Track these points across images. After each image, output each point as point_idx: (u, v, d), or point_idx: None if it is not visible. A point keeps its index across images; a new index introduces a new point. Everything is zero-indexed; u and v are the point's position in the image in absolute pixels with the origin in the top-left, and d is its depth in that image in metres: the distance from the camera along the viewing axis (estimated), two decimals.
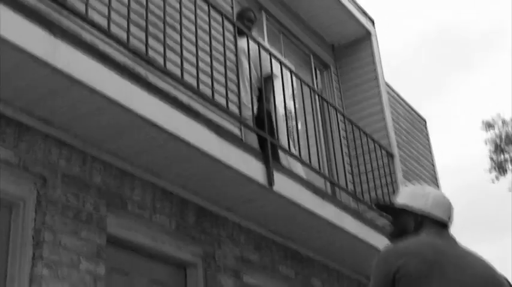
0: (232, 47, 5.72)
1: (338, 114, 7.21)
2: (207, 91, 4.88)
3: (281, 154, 5.84)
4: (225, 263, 5.21)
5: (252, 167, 4.90)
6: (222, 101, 5.02)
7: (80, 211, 4.07)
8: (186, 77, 4.70)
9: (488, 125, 24.06)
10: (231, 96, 5.25)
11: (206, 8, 5.18)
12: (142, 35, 4.52)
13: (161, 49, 4.62)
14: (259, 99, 5.92)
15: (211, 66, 4.94)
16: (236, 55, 5.60)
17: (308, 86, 6.38)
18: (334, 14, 8.51)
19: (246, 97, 5.75)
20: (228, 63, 5.37)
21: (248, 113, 5.52)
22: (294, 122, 7.33)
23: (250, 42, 5.68)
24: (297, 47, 8.33)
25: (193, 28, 5.05)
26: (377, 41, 8.97)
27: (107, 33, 4.09)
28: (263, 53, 5.70)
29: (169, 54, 4.68)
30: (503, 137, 23.65)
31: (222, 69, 5.26)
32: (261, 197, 5.21)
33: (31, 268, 3.71)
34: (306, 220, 5.71)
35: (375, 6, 37.76)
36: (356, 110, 8.52)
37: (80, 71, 3.63)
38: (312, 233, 6.00)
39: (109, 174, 4.40)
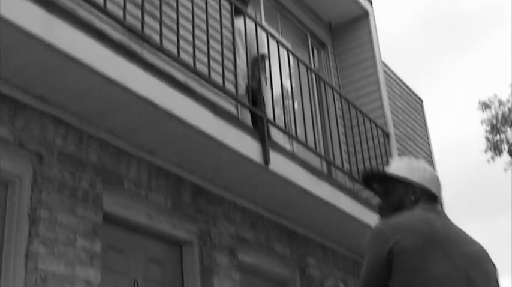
0: (229, 25, 5.70)
1: (334, 94, 7.20)
2: (204, 69, 4.87)
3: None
4: (220, 241, 5.24)
5: (248, 146, 4.90)
6: (219, 79, 5.01)
7: (76, 188, 4.08)
8: (183, 55, 4.69)
9: (485, 106, 24.05)
10: (228, 74, 5.24)
11: None
12: (139, 13, 4.50)
13: (157, 27, 4.60)
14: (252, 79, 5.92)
15: (208, 45, 4.93)
16: (233, 33, 5.58)
17: (305, 65, 6.37)
18: None
19: (242, 76, 5.74)
20: (224, 41, 5.36)
21: (243, 93, 5.53)
22: (291, 102, 7.32)
23: (247, 21, 5.65)
24: (294, 26, 8.30)
25: (189, 6, 5.03)
26: (374, 21, 8.95)
27: (103, 10, 4.07)
28: (254, 32, 5.67)
29: (165, 32, 4.67)
30: (499, 117, 23.66)
31: (218, 47, 5.25)
32: (257, 176, 5.23)
33: (27, 245, 3.73)
34: (301, 199, 5.73)
35: None
36: (353, 89, 8.52)
37: (75, 48, 3.62)
38: (307, 211, 6.02)
39: (105, 152, 4.40)
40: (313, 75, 6.92)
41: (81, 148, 4.22)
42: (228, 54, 5.46)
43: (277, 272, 6.15)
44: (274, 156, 5.13)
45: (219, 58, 5.16)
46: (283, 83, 5.75)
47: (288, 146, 6.40)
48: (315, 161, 6.53)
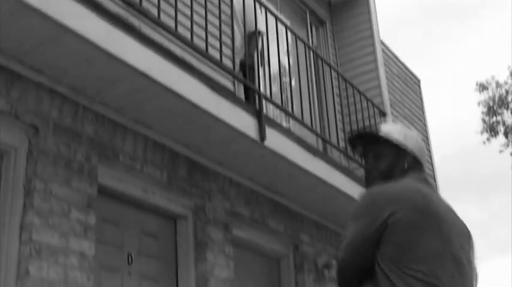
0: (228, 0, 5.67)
1: (332, 72, 7.18)
2: (201, 44, 4.85)
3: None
4: (215, 216, 5.26)
5: (244, 122, 4.90)
6: (216, 55, 4.99)
7: (71, 160, 4.08)
8: (180, 30, 4.66)
9: (482, 87, 24.04)
10: (225, 50, 5.23)
11: None
12: None
13: (155, 0, 4.57)
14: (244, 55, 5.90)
15: (206, 19, 4.90)
16: (231, 8, 5.55)
17: (303, 42, 6.35)
18: None
19: (237, 52, 5.72)
20: (222, 16, 5.33)
21: (237, 69, 5.52)
22: (288, 79, 7.31)
23: None
24: (293, 3, 8.26)
25: None
26: None
27: None
28: (252, 8, 5.64)
29: (163, 5, 4.64)
30: (496, 99, 23.67)
31: (216, 22, 5.22)
32: (253, 152, 5.23)
33: (22, 216, 3.74)
34: (296, 176, 5.75)
35: None
36: (350, 67, 8.51)
37: (72, 20, 3.60)
38: (301, 188, 6.04)
39: (101, 125, 4.40)
40: (311, 53, 6.89)
41: (76, 120, 4.22)
42: (226, 29, 5.44)
43: (270, 248, 6.19)
44: (270, 132, 5.13)
45: (217, 33, 5.13)
46: (280, 60, 5.73)
47: (284, 123, 6.41)
48: (310, 138, 6.54)
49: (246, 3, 5.49)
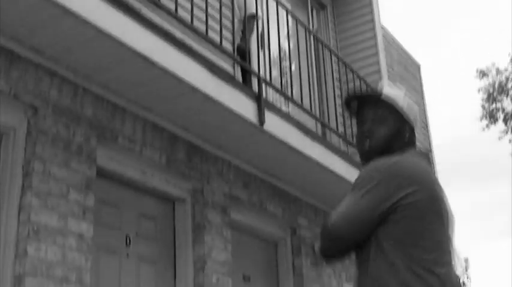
0: None
1: (332, 56, 7.17)
2: (201, 27, 4.83)
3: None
4: (213, 199, 5.27)
5: (243, 106, 4.90)
6: (216, 37, 4.97)
7: (70, 142, 4.08)
8: (180, 12, 4.64)
9: (482, 74, 24.00)
10: (225, 33, 5.21)
11: None
12: None
13: None
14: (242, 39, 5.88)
15: (206, 2, 4.88)
16: None
17: (304, 26, 6.33)
18: None
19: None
20: None
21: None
22: (288, 63, 7.29)
23: None
24: None
25: None
26: None
27: None
28: None
29: None
30: (496, 86, 23.63)
31: (217, 5, 5.20)
32: (251, 136, 5.23)
33: (20, 197, 3.75)
34: (294, 160, 5.75)
35: None
36: (350, 52, 8.49)
37: (72, 1, 3.57)
38: (300, 173, 6.05)
39: (100, 106, 4.40)
40: (312, 37, 6.87)
41: (76, 101, 4.21)
42: (226, 12, 5.42)
43: (268, 231, 6.21)
44: (269, 116, 5.13)
45: (217, 16, 5.11)
46: (281, 44, 5.71)
47: (283, 107, 6.40)
48: (310, 123, 6.54)
49: None
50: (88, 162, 4.18)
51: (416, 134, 2.37)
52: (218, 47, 4.95)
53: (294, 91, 5.89)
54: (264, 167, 5.90)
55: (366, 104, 2.32)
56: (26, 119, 3.92)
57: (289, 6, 7.29)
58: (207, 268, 5.00)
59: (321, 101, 7.91)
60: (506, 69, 23.77)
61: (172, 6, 4.54)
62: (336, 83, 7.76)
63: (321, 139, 6.10)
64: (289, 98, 5.80)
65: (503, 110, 23.56)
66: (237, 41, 5.76)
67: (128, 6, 4.04)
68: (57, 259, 3.78)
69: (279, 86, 5.66)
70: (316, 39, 7.04)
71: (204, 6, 4.91)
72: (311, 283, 6.38)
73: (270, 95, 6.36)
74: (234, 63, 5.54)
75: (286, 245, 6.41)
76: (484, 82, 23.97)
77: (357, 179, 2.17)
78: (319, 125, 7.32)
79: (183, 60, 4.35)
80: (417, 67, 10.81)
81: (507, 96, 23.54)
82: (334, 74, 7.50)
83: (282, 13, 5.85)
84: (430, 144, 10.38)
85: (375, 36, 8.47)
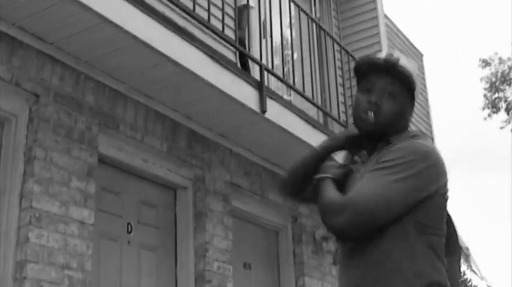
0: None
1: (335, 45, 7.15)
2: (203, 14, 4.81)
3: None
4: (214, 187, 5.28)
5: (245, 94, 4.89)
6: (218, 25, 4.96)
7: (71, 129, 4.08)
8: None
9: (485, 63, 23.93)
10: (227, 20, 5.19)
11: None
12: None
13: None
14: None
15: None
16: None
17: (306, 14, 6.30)
18: None
19: None
20: None
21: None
22: (290, 51, 7.27)
23: None
24: None
25: None
26: None
27: None
28: None
29: None
30: (498, 75, 23.57)
31: None
32: (253, 124, 5.23)
33: (22, 184, 3.75)
34: (296, 148, 5.73)
35: None
36: (353, 41, 8.45)
37: None
38: None
39: (102, 94, 4.39)
40: (314, 25, 6.85)
41: (77, 89, 4.21)
42: (228, 0, 5.39)
43: (269, 219, 6.22)
44: (271, 104, 5.12)
45: (220, 3, 5.09)
46: (283, 32, 5.70)
47: (285, 96, 6.39)
48: (311, 111, 6.53)
49: None
50: (90, 149, 4.18)
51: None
52: (220, 35, 4.93)
53: (296, 79, 5.89)
54: (265, 155, 5.90)
55: (379, 72, 2.07)
56: (28, 106, 3.92)
57: None
58: (208, 256, 5.01)
59: (323, 90, 7.90)
60: (509, 59, 23.70)
61: None
62: (338, 72, 7.73)
63: (323, 127, 6.09)
64: (291, 87, 5.79)
65: (506, 99, 23.51)
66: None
67: None
68: (58, 245, 3.79)
69: (281, 74, 5.64)
70: (319, 28, 7.01)
71: None
72: (312, 271, 6.39)
73: (272, 83, 6.34)
74: (236, 52, 5.52)
75: (287, 234, 6.42)
76: (487, 71, 23.92)
77: (391, 158, 1.93)
78: (321, 114, 7.31)
79: (185, 47, 4.34)
80: (420, 56, 10.78)
81: (510, 85, 23.49)
82: (337, 63, 7.49)
83: (285, 1, 5.84)
84: (431, 132, 10.37)
85: (377, 25, 8.43)
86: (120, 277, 4.52)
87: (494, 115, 23.69)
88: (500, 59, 23.81)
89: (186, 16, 4.80)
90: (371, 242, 1.93)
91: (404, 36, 10.29)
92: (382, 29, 8.49)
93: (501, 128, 23.74)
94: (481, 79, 23.98)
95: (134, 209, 4.77)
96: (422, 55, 10.89)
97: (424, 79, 10.67)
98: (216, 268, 5.07)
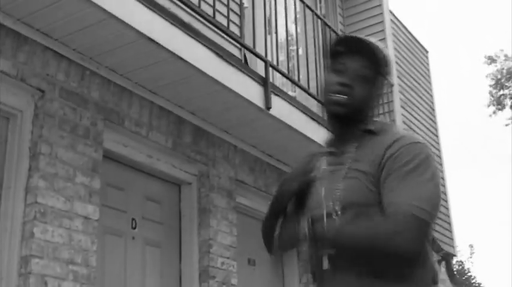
0: None
1: None
2: (208, 10, 4.81)
3: None
4: (219, 183, 5.28)
5: (250, 90, 4.89)
6: (223, 21, 4.96)
7: (77, 125, 4.09)
8: None
9: (491, 60, 23.89)
10: (232, 17, 5.18)
11: None
12: None
13: None
14: None
15: None
16: None
17: (311, 10, 6.29)
18: None
19: None
20: None
21: None
22: (295, 47, 7.26)
23: None
24: None
25: None
26: None
27: None
28: None
29: None
30: (504, 72, 23.53)
31: None
32: (258, 120, 5.23)
33: (27, 179, 3.76)
34: (301, 144, 5.74)
35: None
36: None
37: None
38: None
39: (107, 90, 4.40)
40: (319, 21, 6.84)
41: (83, 84, 4.21)
42: None
43: None
44: (275, 101, 5.12)
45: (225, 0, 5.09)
46: (288, 28, 5.69)
47: (290, 92, 6.39)
48: (316, 107, 6.53)
49: None
50: (95, 145, 4.19)
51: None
52: (225, 31, 4.93)
53: (300, 76, 5.88)
54: (270, 151, 5.90)
55: (355, 53, 1.93)
56: (33, 102, 3.93)
57: None
58: (212, 252, 5.02)
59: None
60: None
61: None
62: None
63: (327, 124, 6.07)
64: (296, 83, 5.78)
65: (511, 96, 23.47)
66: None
67: None
68: (63, 241, 3.80)
69: (286, 71, 5.64)
70: (324, 24, 7.00)
71: None
72: None
73: (277, 79, 6.34)
74: (241, 48, 5.52)
75: None
76: (492, 68, 23.89)
77: (411, 157, 1.80)
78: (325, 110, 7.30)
79: (190, 43, 4.34)
80: (425, 53, 10.76)
81: None
82: None
83: None
84: (436, 129, 10.35)
85: (383, 21, 8.42)
86: (125, 272, 4.53)
87: (500, 112, 23.66)
88: (506, 56, 23.78)
89: (192, 12, 4.79)
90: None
91: (409, 32, 10.27)
92: (388, 25, 8.47)
93: (506, 125, 23.71)
94: (487, 76, 23.94)
95: (139, 205, 4.78)
96: (427, 52, 10.87)
97: (429, 76, 10.65)
98: (220, 264, 5.08)
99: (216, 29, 5.00)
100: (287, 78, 5.74)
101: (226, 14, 4.99)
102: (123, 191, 4.67)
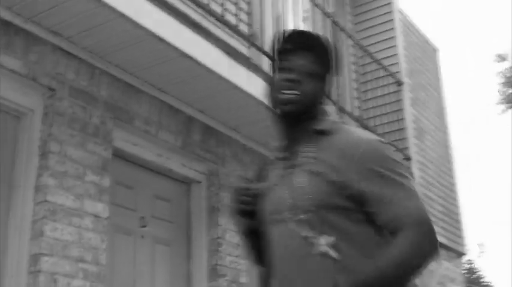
0: None
1: (349, 40, 7.12)
2: (218, 9, 4.81)
3: None
4: (228, 181, 5.29)
5: (259, 88, 4.89)
6: (232, 20, 4.96)
7: (86, 123, 4.10)
8: None
9: (501, 58, 23.77)
10: (242, 15, 5.18)
11: None
12: None
13: None
14: None
15: None
16: None
17: (320, 9, 6.29)
18: None
19: None
20: None
21: None
22: None
23: None
24: None
25: None
26: None
27: None
28: None
29: None
30: None
31: None
32: (267, 118, 5.21)
33: (37, 177, 3.78)
34: None
35: None
36: (367, 35, 8.42)
37: None
38: None
39: (116, 88, 4.41)
40: (329, 20, 6.83)
41: (92, 83, 4.23)
42: None
43: None
44: None
45: None
46: (297, 27, 5.69)
47: None
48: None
49: None
50: (104, 144, 4.20)
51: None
52: (234, 30, 4.93)
53: None
54: None
55: (301, 49, 1.87)
56: (43, 100, 3.94)
57: None
58: (221, 250, 5.03)
59: (337, 85, 7.88)
60: None
61: None
62: (352, 67, 7.71)
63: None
64: None
65: None
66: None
67: None
68: (73, 239, 3.82)
69: None
70: (333, 23, 6.99)
71: None
72: None
73: None
74: (249, 46, 5.52)
75: None
76: (503, 67, 23.76)
77: (391, 163, 1.78)
78: (334, 109, 7.29)
79: (199, 42, 4.35)
80: (435, 51, 10.72)
81: None
82: (351, 58, 7.46)
83: None
84: (446, 127, 10.32)
85: (392, 20, 8.39)
86: (134, 270, 4.54)
87: (510, 110, 23.53)
88: None
89: (200, 11, 4.79)
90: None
91: (419, 31, 10.24)
92: (397, 24, 8.45)
93: None
94: (497, 74, 23.81)
95: (148, 203, 4.79)
96: (437, 50, 10.83)
97: (439, 74, 10.61)
98: (229, 262, 5.09)
99: (225, 28, 5.00)
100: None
101: (235, 12, 4.99)
102: (133, 189, 4.68)
